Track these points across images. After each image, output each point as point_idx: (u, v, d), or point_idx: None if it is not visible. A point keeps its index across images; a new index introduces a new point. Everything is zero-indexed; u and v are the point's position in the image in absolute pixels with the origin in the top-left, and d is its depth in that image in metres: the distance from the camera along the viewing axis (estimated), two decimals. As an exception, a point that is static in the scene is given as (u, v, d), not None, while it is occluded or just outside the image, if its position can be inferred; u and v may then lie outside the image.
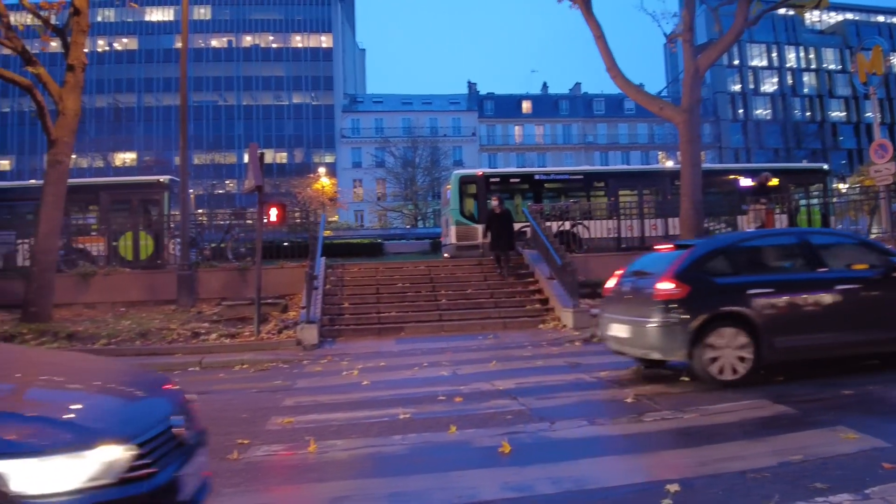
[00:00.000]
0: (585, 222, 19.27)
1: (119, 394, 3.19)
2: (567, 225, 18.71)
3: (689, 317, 7.50)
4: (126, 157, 72.71)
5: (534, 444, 5.68)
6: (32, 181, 22.83)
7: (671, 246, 8.91)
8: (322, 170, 67.52)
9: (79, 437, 2.52)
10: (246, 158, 13.05)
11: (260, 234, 13.50)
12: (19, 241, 16.70)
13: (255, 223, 14.46)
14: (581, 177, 24.09)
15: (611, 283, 9.13)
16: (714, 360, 7.42)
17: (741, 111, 79.36)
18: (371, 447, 5.83)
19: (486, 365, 9.85)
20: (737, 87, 79.87)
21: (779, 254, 8.54)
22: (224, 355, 11.61)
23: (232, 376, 10.15)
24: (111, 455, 2.52)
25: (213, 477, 5.07)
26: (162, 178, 20.42)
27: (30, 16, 14.72)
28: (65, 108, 13.80)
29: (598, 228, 18.87)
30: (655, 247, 9.46)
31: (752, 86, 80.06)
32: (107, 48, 75.96)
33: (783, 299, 7.65)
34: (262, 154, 12.96)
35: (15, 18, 15.21)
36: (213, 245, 18.21)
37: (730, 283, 7.78)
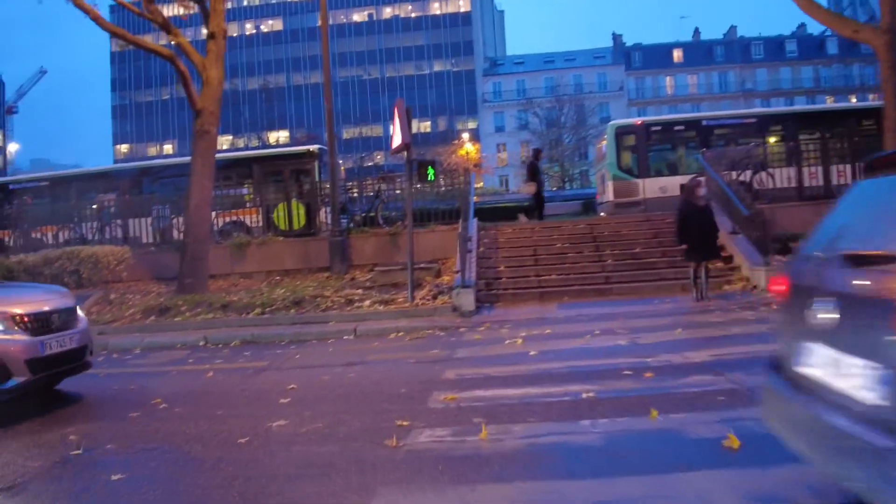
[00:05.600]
0: (768, 170, 17.03)
1: None
2: (748, 174, 16.53)
3: None
4: (280, 135, 75.62)
5: (768, 436, 4.31)
6: (187, 157, 23.35)
7: None
8: (465, 136, 66.95)
9: None
10: (391, 129, 12.26)
11: (409, 196, 12.76)
12: (173, 216, 16.95)
13: (404, 185, 13.78)
14: (754, 120, 21.48)
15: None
16: None
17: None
18: (555, 435, 4.82)
19: (669, 333, 8.56)
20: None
21: None
22: (378, 323, 11.04)
23: (387, 345, 9.48)
24: None
25: (370, 468, 4.26)
26: (312, 148, 20.21)
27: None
28: (209, 77, 13.61)
29: (776, 177, 16.68)
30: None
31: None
32: (254, 31, 79.00)
33: None
34: (409, 109, 12.12)
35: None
36: (363, 215, 17.76)
37: None
